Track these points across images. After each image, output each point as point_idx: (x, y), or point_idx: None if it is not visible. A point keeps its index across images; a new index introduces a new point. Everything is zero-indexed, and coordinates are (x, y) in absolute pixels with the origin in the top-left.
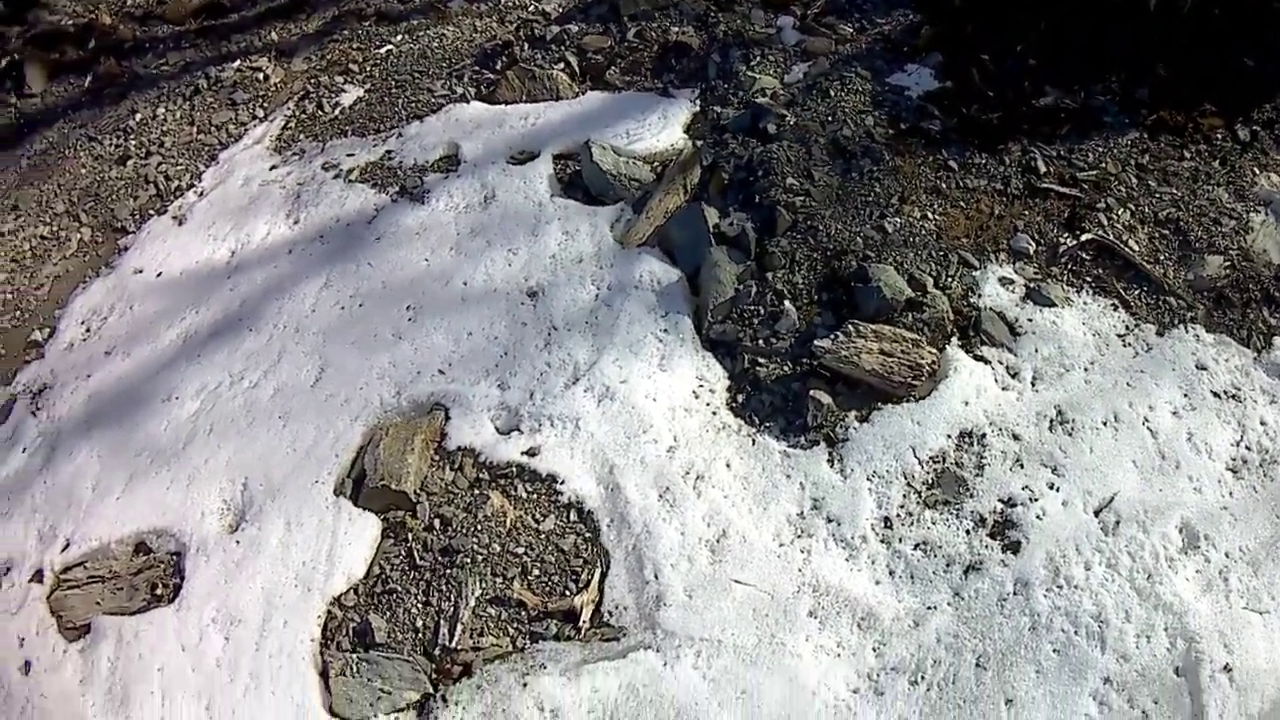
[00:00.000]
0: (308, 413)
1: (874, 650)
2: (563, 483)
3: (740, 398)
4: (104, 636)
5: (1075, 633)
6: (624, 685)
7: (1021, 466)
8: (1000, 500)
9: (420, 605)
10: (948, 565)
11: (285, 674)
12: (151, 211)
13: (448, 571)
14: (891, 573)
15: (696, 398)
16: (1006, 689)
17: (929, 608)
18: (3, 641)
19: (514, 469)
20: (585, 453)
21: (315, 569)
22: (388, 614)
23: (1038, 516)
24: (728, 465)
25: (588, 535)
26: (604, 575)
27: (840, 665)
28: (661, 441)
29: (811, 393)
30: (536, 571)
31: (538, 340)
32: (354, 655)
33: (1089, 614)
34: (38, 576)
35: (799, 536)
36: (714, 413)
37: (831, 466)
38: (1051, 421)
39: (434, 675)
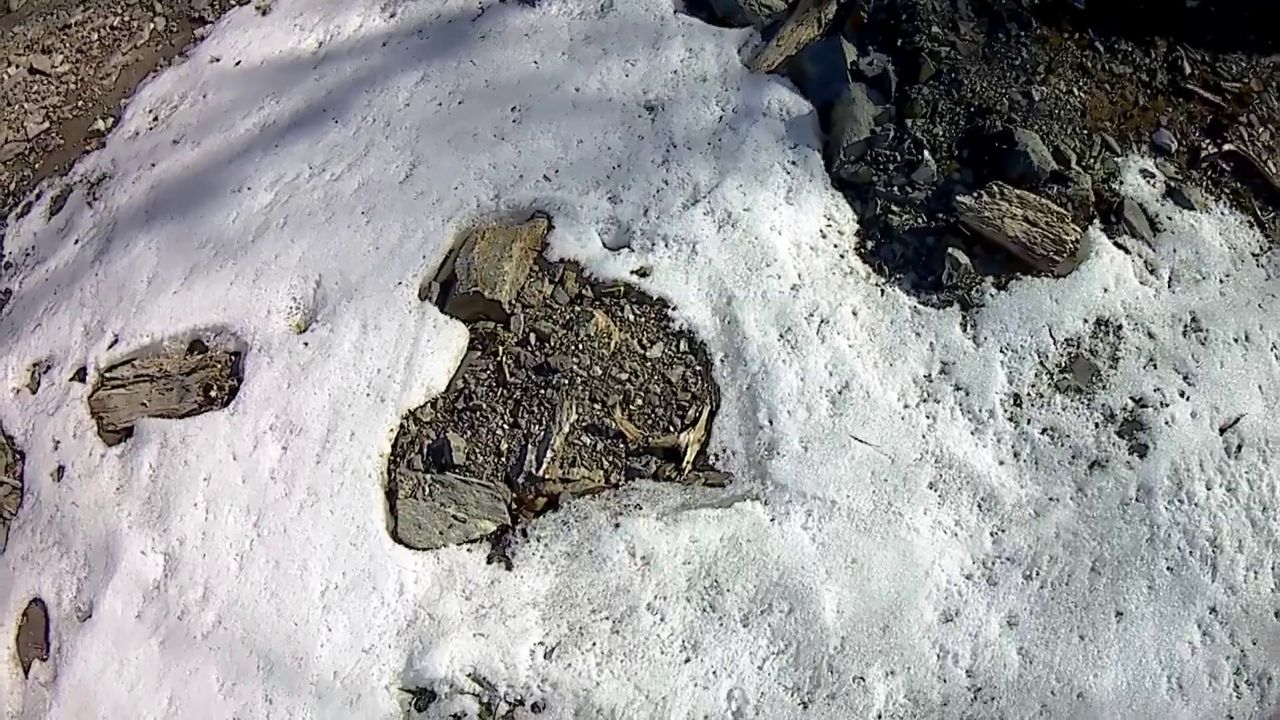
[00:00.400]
0: (395, 210)
1: (992, 536)
2: (674, 308)
3: (870, 244)
4: (147, 440)
5: (1190, 553)
6: (726, 538)
7: (1155, 367)
8: (1132, 398)
9: (506, 427)
10: (1074, 457)
11: (347, 491)
12: (233, 2)
13: (541, 392)
14: (1016, 454)
15: (824, 237)
16: (1118, 600)
17: (1051, 499)
18: (36, 444)
19: (621, 288)
20: (701, 279)
21: (391, 378)
22: (469, 433)
23: (1166, 423)
24: (854, 313)
25: (698, 369)
26: (713, 414)
27: (956, 547)
28: (785, 278)
29: (949, 250)
30: (639, 401)
31: (655, 156)
32: (427, 476)
33: (1205, 536)
34: (80, 375)
35: (925, 400)
36: (841, 256)
37: (964, 331)
38: (1186, 327)
39: (515, 506)
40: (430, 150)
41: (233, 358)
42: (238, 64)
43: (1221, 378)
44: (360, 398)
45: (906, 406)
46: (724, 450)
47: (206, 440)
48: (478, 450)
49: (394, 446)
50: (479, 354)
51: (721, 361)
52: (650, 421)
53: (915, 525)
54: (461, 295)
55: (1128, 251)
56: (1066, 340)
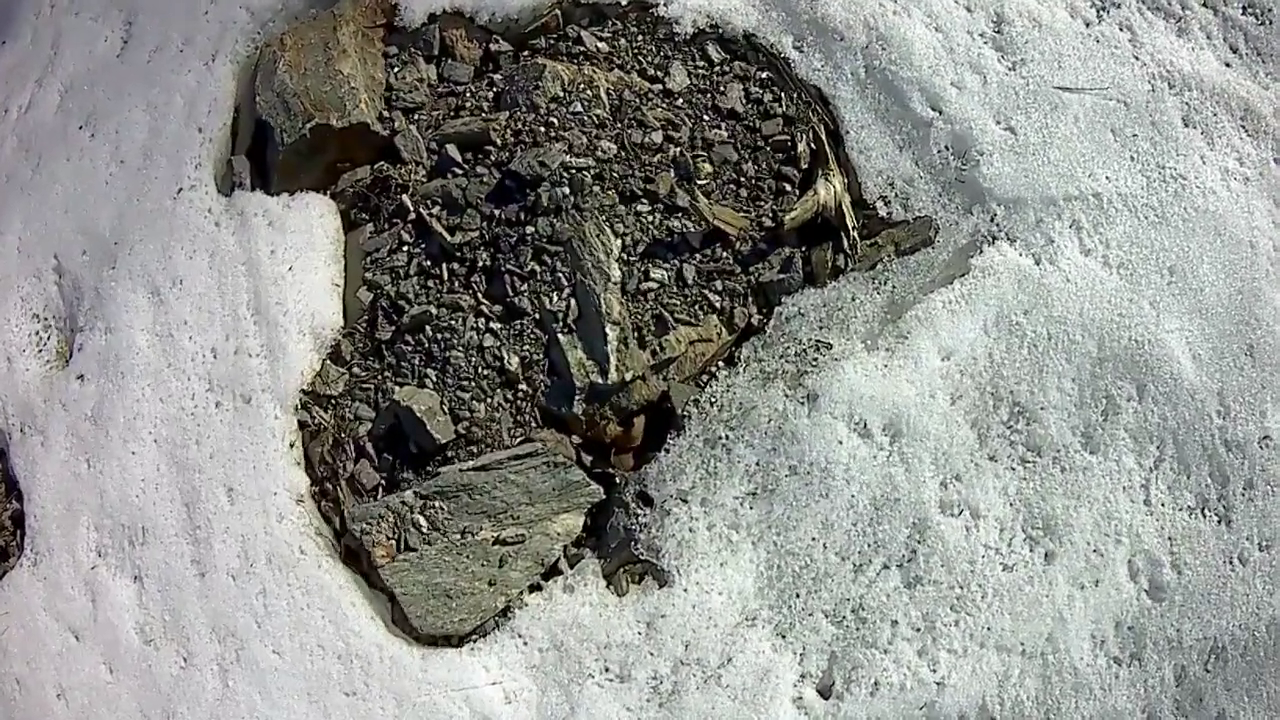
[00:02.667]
0: (127, 95)
1: (1276, 164)
2: (665, 4)
3: None
4: None
5: None
6: (991, 325)
7: None
8: None
9: (498, 326)
10: None
11: (284, 602)
12: None
13: (526, 233)
14: (1235, 49)
15: None
16: None
17: None
18: None
19: (556, 14)
20: None
21: (240, 353)
22: (434, 376)
23: None
24: None
25: (763, 77)
26: (834, 135)
27: (1255, 195)
28: None
29: None
30: (707, 167)
31: None
32: (407, 498)
33: None
34: None
35: (1103, 8)
36: None
37: None
38: None
39: (596, 464)
40: None
41: None
42: None
43: None
44: (207, 417)
45: (1089, 24)
46: (892, 185)
47: (25, 628)
48: (466, 395)
49: (312, 471)
50: (372, 228)
51: (799, 49)
52: (747, 192)
53: (1205, 184)
54: (292, 148)
55: None
56: None
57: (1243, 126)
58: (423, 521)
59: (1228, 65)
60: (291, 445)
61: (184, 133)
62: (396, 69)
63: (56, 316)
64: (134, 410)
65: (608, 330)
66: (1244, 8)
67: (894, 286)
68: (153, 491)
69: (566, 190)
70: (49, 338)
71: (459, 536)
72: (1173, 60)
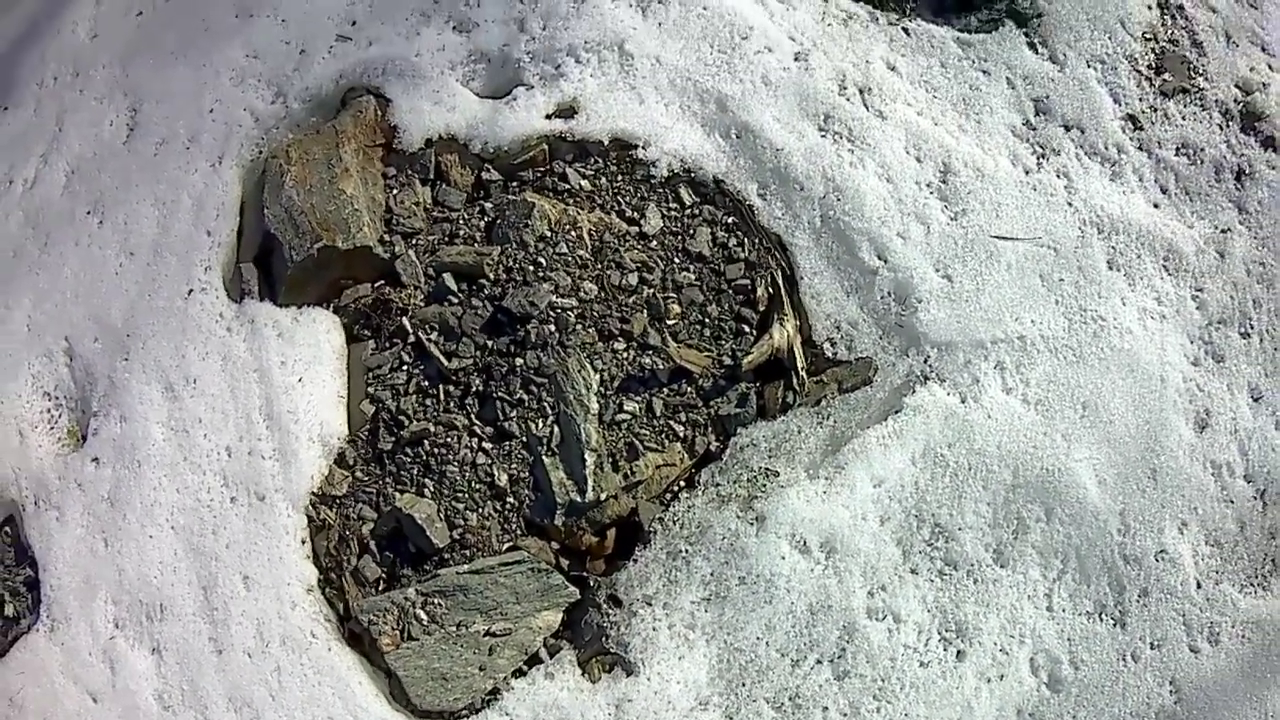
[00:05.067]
0: (134, 185)
1: (1194, 300)
2: (644, 146)
3: None
4: None
5: None
6: (919, 457)
7: (1236, 44)
8: (1236, 86)
9: (489, 446)
10: (1217, 172)
11: (295, 680)
12: None
13: (516, 363)
14: (1164, 190)
15: None
16: None
17: (1223, 231)
18: None
19: (543, 149)
20: (661, 89)
21: (253, 454)
22: (431, 486)
23: (1278, 103)
24: (891, 68)
25: (729, 221)
26: (790, 280)
27: (1171, 331)
28: (778, 48)
29: None
30: (676, 308)
31: None
32: (409, 594)
33: None
34: None
35: (1043, 155)
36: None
37: (1036, 53)
38: None
39: (573, 568)
40: (152, 78)
41: (6, 530)
42: None
43: None
44: (223, 511)
45: (1029, 172)
46: (838, 328)
47: (41, 688)
48: (460, 505)
49: (320, 563)
50: (375, 346)
51: (763, 196)
52: (710, 332)
53: (1123, 324)
54: (300, 264)
55: None
56: (1144, 35)
57: (1164, 266)
58: (423, 615)
59: (1156, 206)
60: (303, 541)
61: (193, 234)
62: (395, 190)
63: (68, 397)
64: (151, 498)
65: (586, 455)
66: (1177, 149)
67: (835, 421)
68: (170, 574)
69: (553, 328)
70: (60, 415)
71: (455, 628)
72: (1104, 205)
